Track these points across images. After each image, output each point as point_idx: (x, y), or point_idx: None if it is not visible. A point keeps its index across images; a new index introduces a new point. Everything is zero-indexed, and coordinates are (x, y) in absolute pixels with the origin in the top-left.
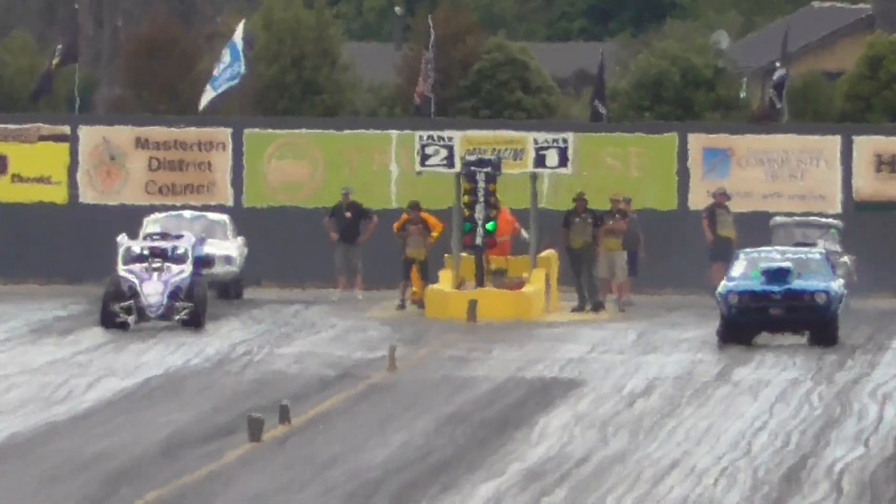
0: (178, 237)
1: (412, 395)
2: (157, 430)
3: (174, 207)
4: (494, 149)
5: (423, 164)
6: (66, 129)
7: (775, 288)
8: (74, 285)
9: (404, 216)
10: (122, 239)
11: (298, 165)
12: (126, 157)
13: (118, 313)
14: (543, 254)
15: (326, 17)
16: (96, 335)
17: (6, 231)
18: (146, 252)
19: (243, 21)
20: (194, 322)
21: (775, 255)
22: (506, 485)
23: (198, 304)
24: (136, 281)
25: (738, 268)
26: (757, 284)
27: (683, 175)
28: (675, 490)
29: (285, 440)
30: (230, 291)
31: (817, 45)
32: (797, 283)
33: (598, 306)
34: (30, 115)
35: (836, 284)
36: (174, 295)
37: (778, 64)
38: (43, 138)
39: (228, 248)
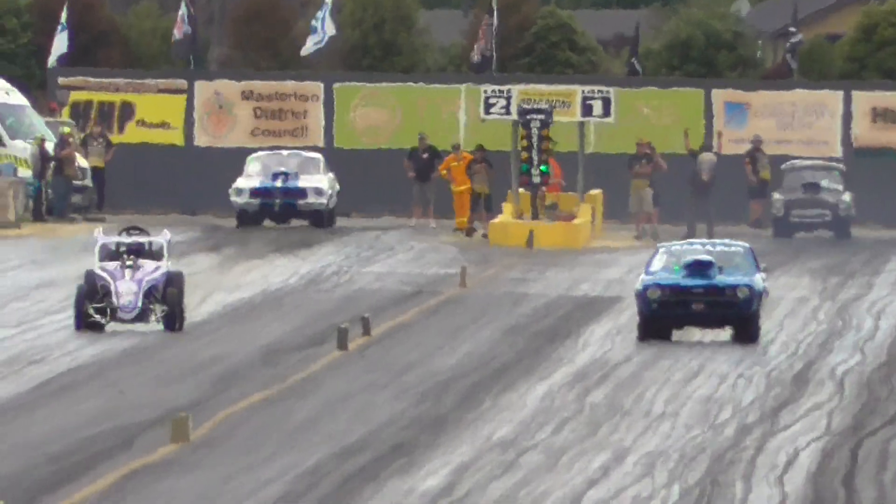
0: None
1: (478, 308)
2: (259, 339)
3: (275, 149)
4: (548, 100)
5: (486, 112)
6: (184, 83)
7: (697, 282)
8: (189, 215)
9: (448, 158)
10: (98, 234)
11: (379, 113)
12: (234, 105)
13: (91, 314)
14: (590, 192)
15: None
16: (207, 259)
17: (132, 167)
18: (122, 249)
19: None
20: (171, 324)
21: (697, 249)
22: (557, 385)
23: (172, 305)
24: (110, 280)
25: (659, 262)
26: (679, 279)
27: (708, 124)
28: (701, 389)
29: (367, 348)
30: (322, 221)
31: (821, 13)
32: (719, 278)
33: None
34: (153, 71)
35: (759, 278)
36: (149, 294)
37: (793, 29)
38: (163, 90)
39: (320, 181)
